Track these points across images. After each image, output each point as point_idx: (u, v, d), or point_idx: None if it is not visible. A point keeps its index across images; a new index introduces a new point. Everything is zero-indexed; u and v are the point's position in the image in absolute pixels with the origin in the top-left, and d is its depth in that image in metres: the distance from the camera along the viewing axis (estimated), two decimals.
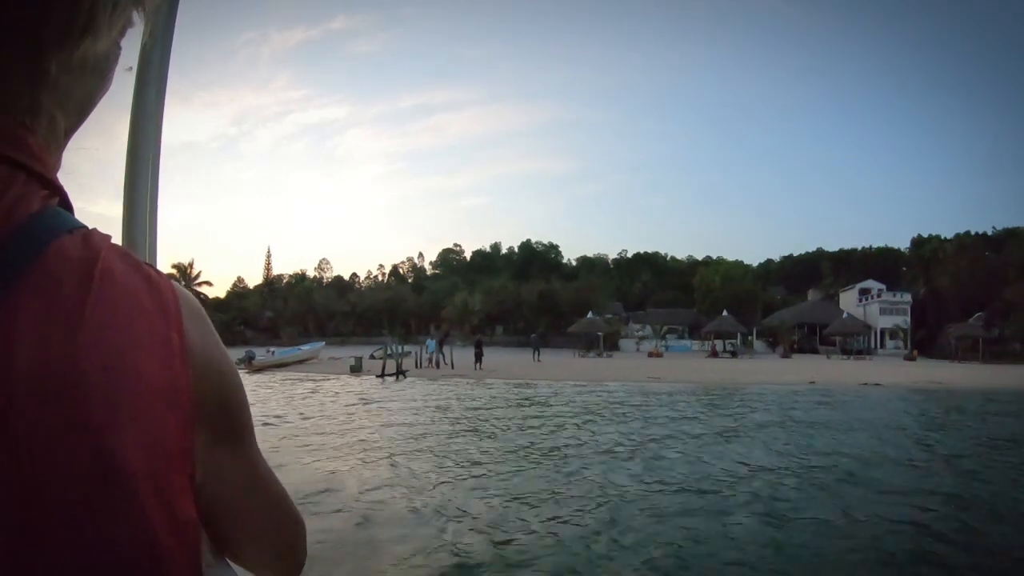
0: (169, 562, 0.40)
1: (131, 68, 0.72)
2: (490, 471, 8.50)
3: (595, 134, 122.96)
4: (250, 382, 24.07)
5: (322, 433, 11.65)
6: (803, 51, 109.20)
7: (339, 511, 6.49)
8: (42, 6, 0.41)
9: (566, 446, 10.40)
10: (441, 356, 30.93)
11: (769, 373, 28.19)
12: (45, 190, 0.43)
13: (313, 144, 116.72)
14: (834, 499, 7.24)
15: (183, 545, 0.41)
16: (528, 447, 10.30)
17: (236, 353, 35.12)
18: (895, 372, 30.06)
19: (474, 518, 6.30)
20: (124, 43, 0.49)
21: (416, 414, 14.52)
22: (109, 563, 0.37)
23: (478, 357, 30.20)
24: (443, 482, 7.81)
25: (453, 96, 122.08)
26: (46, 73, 0.42)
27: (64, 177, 0.46)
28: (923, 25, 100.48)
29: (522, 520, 6.24)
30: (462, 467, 8.78)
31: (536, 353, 36.92)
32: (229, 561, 0.54)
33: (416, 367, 28.92)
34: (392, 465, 8.85)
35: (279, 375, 28.09)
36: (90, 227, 0.44)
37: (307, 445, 10.30)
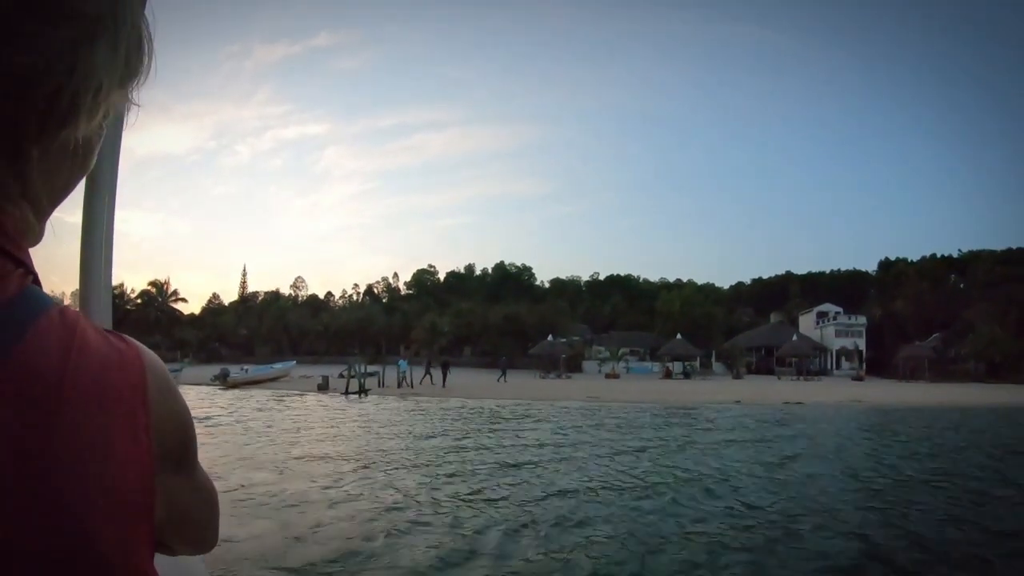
0: None
1: None
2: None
3: (573, 156, 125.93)
4: (224, 397, 25.95)
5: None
6: (781, 76, 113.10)
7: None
8: (21, 99, 0.42)
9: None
10: (429, 376, 34.40)
11: (706, 393, 30.61)
12: (20, 268, 0.45)
13: (292, 160, 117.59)
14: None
15: None
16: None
17: (211, 370, 36.88)
18: (830, 391, 32.73)
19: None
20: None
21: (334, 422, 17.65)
22: None
23: (444, 377, 33.74)
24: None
25: (433, 116, 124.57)
26: (27, 161, 0.44)
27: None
28: (894, 51, 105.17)
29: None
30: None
31: (503, 375, 39.82)
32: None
33: (379, 386, 30.99)
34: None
35: (251, 392, 29.84)
36: (63, 302, 0.47)
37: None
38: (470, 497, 8.20)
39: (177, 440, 0.51)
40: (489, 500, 8.07)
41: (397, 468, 10.34)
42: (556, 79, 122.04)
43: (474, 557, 5.81)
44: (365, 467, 10.41)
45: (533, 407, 23.07)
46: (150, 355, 0.50)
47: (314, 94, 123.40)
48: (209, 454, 11.26)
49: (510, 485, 9.01)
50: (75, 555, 0.41)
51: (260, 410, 20.54)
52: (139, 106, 0.49)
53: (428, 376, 34.25)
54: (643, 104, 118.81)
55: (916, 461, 12.12)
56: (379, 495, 8.30)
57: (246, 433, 14.77)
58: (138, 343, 0.50)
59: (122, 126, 0.99)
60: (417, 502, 7.90)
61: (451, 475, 9.79)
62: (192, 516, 0.56)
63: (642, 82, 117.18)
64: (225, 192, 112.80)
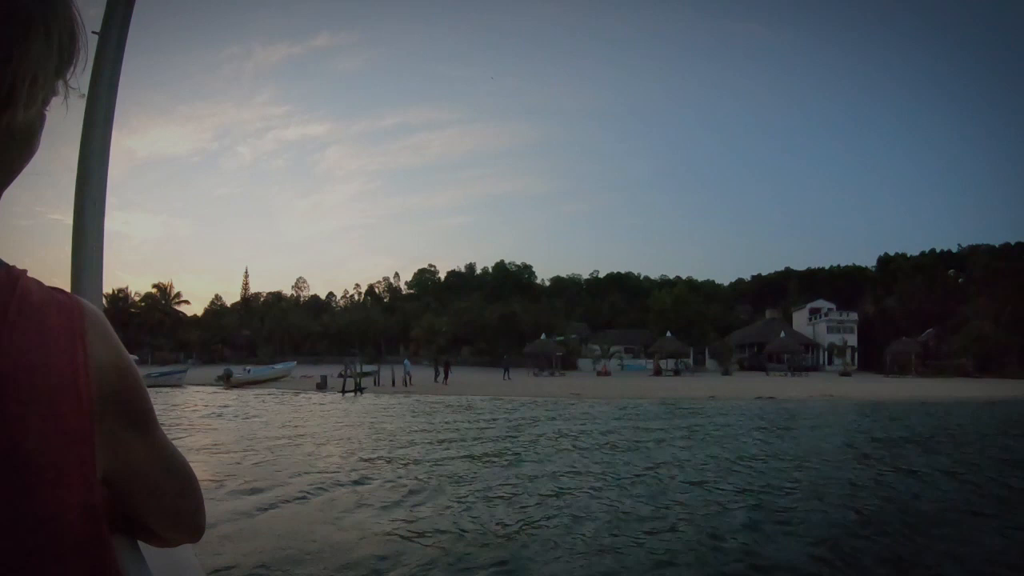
0: (75, 543, 0.48)
1: (83, 96, 0.74)
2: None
3: (574, 155, 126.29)
4: (227, 396, 27.49)
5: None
6: (781, 73, 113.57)
7: None
8: None
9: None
10: (437, 375, 36.52)
11: (685, 390, 31.97)
12: None
13: (293, 161, 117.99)
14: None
15: (87, 527, 0.49)
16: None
17: (215, 371, 38.49)
18: (807, 387, 33.97)
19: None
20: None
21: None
22: (16, 545, 0.45)
23: (446, 374, 36.09)
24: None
25: (434, 115, 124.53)
26: None
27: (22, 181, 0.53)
28: (892, 47, 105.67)
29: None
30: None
31: (506, 372, 41.84)
32: (142, 544, 0.63)
33: (375, 384, 32.60)
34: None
35: (253, 391, 31.39)
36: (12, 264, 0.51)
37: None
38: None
39: (119, 386, 0.55)
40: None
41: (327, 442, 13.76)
42: (555, 79, 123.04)
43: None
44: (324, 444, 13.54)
45: (509, 402, 24.65)
46: (91, 307, 0.55)
47: (315, 95, 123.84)
48: (213, 441, 13.43)
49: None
50: (9, 468, 0.45)
51: (260, 407, 22.05)
52: (77, 90, 0.54)
53: (437, 375, 36.32)
54: (643, 102, 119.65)
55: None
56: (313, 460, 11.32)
57: (246, 425, 16.51)
58: (80, 298, 0.55)
59: (111, 126, 1.03)
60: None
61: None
62: (155, 482, 0.60)
63: (641, 81, 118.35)
64: (227, 193, 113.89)
